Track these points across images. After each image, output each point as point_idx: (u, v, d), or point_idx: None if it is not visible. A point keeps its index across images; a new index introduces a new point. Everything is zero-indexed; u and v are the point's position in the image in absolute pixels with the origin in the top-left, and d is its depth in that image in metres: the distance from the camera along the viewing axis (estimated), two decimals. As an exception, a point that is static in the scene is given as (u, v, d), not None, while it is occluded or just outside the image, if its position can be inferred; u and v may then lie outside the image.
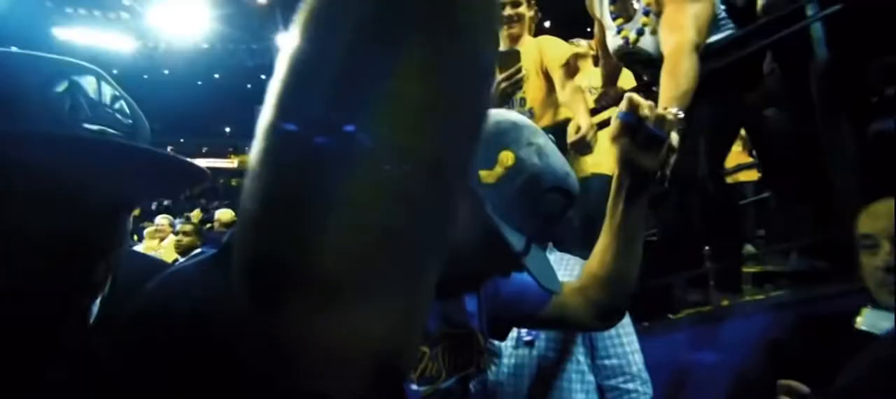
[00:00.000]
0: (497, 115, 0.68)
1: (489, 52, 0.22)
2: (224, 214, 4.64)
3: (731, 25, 1.61)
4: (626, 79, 2.07)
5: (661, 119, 0.70)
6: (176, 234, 3.60)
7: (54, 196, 0.39)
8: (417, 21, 0.19)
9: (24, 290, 0.39)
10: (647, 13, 1.39)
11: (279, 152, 0.20)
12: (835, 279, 1.30)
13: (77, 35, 10.51)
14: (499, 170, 0.63)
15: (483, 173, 0.63)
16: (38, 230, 0.40)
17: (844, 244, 1.25)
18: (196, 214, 4.79)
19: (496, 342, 1.07)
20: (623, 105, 0.70)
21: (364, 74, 0.19)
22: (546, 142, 0.67)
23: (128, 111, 0.46)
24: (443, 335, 0.69)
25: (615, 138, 0.72)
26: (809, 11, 1.37)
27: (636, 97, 0.70)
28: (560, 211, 0.67)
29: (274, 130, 0.19)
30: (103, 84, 0.45)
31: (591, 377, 1.34)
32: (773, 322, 1.30)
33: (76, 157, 0.40)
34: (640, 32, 1.44)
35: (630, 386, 1.30)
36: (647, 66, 1.61)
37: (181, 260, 3.14)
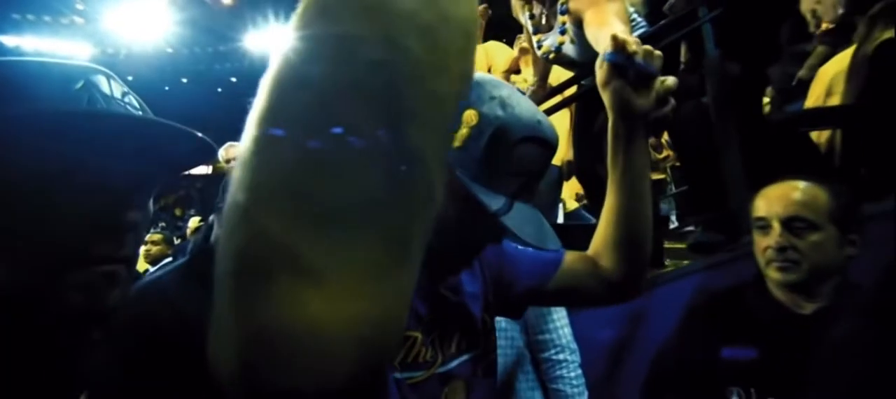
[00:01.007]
0: None
1: (469, 61, 0.23)
2: (195, 223, 4.65)
3: (644, 24, 1.78)
4: (564, 72, 2.22)
5: (649, 54, 0.66)
6: (144, 244, 3.60)
7: (82, 170, 0.42)
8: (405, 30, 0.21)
9: (62, 262, 0.42)
10: (563, 32, 1.44)
11: (272, 146, 0.20)
12: (727, 248, 1.48)
13: (27, 42, 10.08)
14: (464, 131, 0.59)
15: None
16: (71, 204, 0.42)
17: (734, 219, 1.43)
18: (194, 222, 4.71)
19: None
20: (608, 46, 0.66)
21: (350, 81, 0.20)
22: (511, 92, 0.62)
23: (137, 104, 0.50)
24: (438, 319, 0.66)
25: (606, 82, 0.68)
26: (701, 13, 1.53)
27: (621, 35, 0.66)
28: (537, 163, 0.62)
29: (266, 126, 0.20)
30: (113, 82, 0.49)
31: (527, 353, 1.50)
32: (682, 288, 1.47)
33: (100, 131, 0.42)
34: (558, 50, 1.50)
35: (561, 356, 1.46)
36: (573, 67, 1.75)
37: (151, 269, 3.18)
